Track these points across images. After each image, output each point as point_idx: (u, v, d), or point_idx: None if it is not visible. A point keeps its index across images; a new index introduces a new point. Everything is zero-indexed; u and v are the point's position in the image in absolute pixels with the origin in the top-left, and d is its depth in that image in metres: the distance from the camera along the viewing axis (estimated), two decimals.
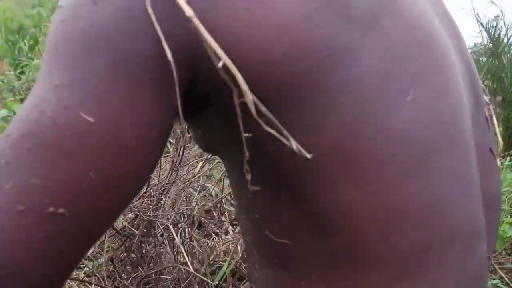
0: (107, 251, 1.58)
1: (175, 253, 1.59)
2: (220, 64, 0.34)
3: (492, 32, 6.21)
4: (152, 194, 1.64)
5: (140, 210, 1.55)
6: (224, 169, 1.57)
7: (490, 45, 6.32)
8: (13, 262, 0.31)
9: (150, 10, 0.33)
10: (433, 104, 0.43)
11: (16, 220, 0.31)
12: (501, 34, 6.17)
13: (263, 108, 0.36)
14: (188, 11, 0.33)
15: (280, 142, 0.37)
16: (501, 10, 6.96)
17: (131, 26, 0.34)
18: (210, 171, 1.96)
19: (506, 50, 6.13)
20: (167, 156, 2.02)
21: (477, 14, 6.24)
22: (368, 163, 0.39)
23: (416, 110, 0.41)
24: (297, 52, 0.36)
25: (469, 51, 0.59)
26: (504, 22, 6.21)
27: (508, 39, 6.16)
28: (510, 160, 5.38)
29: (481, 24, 6.30)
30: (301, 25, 0.36)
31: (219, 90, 0.37)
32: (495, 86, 6.44)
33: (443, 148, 0.43)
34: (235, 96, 0.36)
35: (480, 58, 7.02)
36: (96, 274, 1.55)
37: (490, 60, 6.37)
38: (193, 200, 1.82)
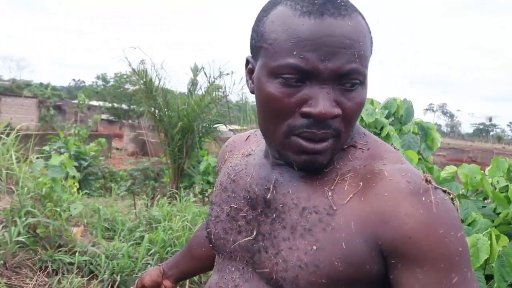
0: None
1: None
2: None
3: (144, 76, 6.67)
4: None
5: None
6: None
7: (143, 86, 6.73)
8: None
9: None
10: None
11: None
12: (153, 77, 6.68)
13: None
14: None
15: None
16: (150, 58, 7.76)
17: None
18: None
19: (160, 92, 6.62)
20: None
21: (129, 60, 6.55)
22: None
23: None
24: None
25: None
26: (154, 67, 6.75)
27: (159, 82, 6.70)
28: (187, 194, 5.76)
29: (133, 69, 6.72)
30: None
31: None
32: (157, 124, 6.89)
33: None
34: None
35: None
36: None
37: (148, 101, 6.78)
38: None
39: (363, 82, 0.75)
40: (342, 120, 0.75)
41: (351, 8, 0.75)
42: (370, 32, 0.77)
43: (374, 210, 0.72)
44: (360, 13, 0.76)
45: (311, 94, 0.73)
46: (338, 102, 0.74)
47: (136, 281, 1.30)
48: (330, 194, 0.77)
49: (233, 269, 0.88)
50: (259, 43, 0.78)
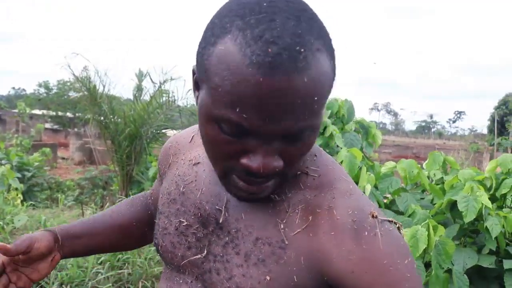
0: None
1: None
2: None
3: (87, 83, 6.52)
4: None
5: None
6: None
7: (87, 93, 6.58)
8: None
9: None
10: None
11: None
12: (97, 84, 6.53)
13: None
14: None
15: None
16: (93, 65, 7.21)
17: None
18: None
19: (105, 98, 6.52)
20: None
21: (71, 68, 6.35)
22: None
23: None
24: None
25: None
26: (98, 74, 6.57)
27: (104, 88, 6.58)
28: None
29: (76, 76, 6.56)
30: None
31: None
32: (103, 132, 6.75)
33: None
34: None
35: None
36: None
37: (93, 108, 6.62)
38: None
39: (316, 128, 0.70)
40: (286, 164, 0.71)
41: (314, 51, 0.63)
42: (333, 70, 0.68)
43: (320, 247, 0.75)
44: (327, 48, 0.66)
45: (251, 148, 0.68)
46: (282, 152, 0.69)
47: (22, 241, 0.92)
48: (282, 227, 0.79)
49: (181, 281, 0.89)
50: (202, 76, 0.68)
